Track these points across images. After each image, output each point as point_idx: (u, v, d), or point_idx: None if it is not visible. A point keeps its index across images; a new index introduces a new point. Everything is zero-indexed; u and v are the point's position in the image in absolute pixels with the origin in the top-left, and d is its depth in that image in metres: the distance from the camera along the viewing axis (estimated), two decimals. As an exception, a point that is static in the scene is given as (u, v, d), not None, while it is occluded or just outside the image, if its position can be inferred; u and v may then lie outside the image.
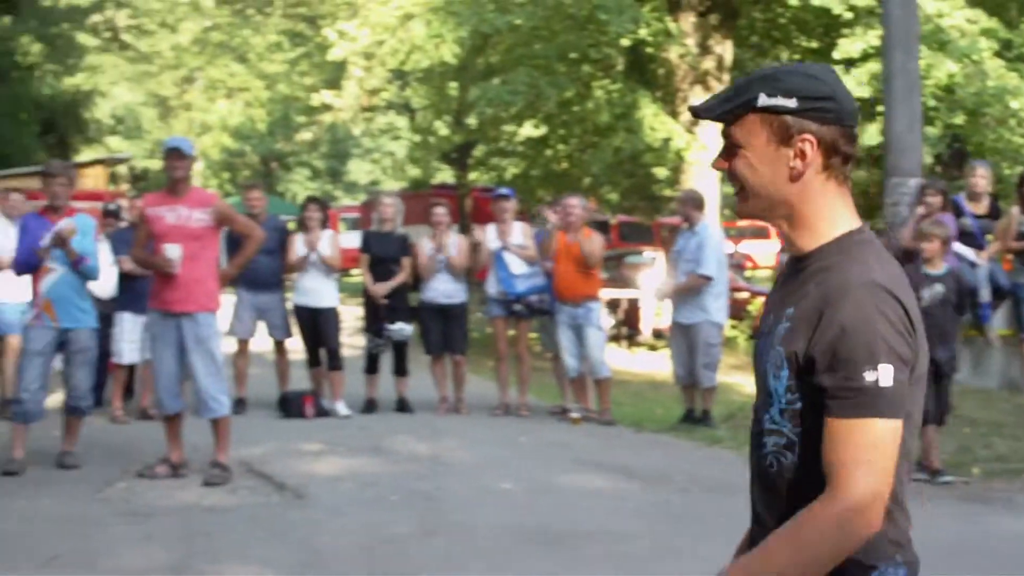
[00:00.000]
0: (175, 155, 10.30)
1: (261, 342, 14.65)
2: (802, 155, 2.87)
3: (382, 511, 9.39)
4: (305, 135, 45.09)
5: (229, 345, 13.99)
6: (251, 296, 13.96)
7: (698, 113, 3.04)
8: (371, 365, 14.48)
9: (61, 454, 10.94)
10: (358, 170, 60.77)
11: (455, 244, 14.26)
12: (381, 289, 14.09)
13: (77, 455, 10.97)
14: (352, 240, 20.58)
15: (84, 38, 43.88)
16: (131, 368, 13.79)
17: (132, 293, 13.05)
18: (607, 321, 18.08)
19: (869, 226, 2.99)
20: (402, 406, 14.19)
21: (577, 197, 14.12)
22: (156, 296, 10.47)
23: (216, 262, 10.58)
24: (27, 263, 10.72)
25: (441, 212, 14.42)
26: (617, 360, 18.91)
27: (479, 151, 32.66)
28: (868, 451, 2.69)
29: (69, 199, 10.95)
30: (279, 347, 14.31)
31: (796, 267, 2.98)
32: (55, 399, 12.54)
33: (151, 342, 10.76)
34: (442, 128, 33.35)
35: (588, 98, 24.44)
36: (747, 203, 3.00)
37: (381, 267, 14.17)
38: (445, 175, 41.55)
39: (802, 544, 2.71)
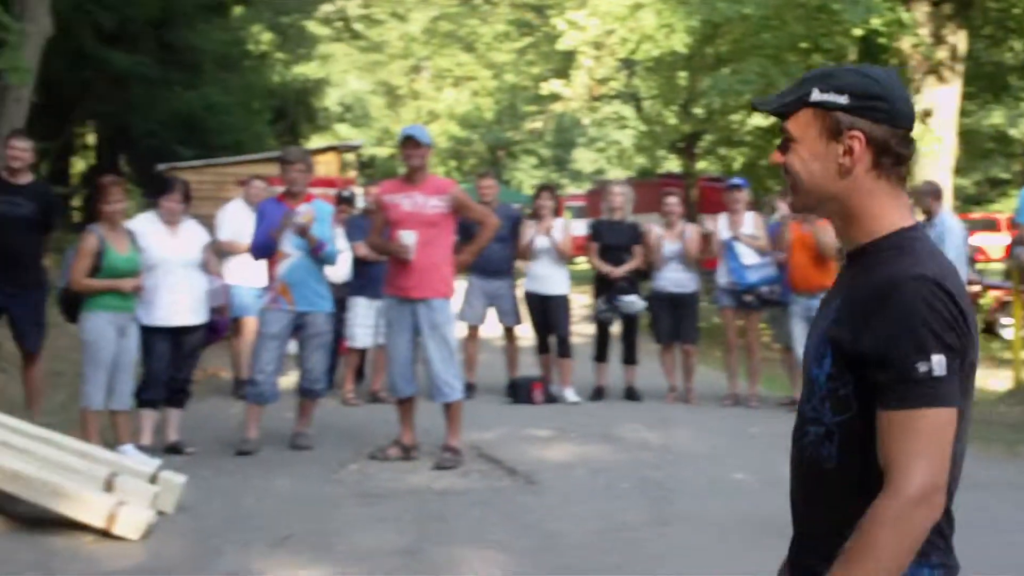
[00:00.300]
0: (411, 143, 10.36)
1: (491, 328, 14.70)
2: (850, 151, 2.90)
3: (614, 499, 9.32)
4: (534, 124, 45.21)
5: (460, 331, 14.08)
6: (482, 282, 13.99)
7: (757, 107, 3.10)
8: (600, 353, 14.42)
9: (295, 435, 11.10)
10: (583, 159, 60.75)
11: (686, 233, 14.11)
12: (615, 271, 14.00)
13: (310, 436, 11.13)
14: (578, 228, 20.56)
15: (315, 27, 44.65)
16: (363, 352, 13.95)
17: (366, 278, 13.19)
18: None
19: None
20: (630, 394, 14.08)
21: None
22: (391, 282, 10.56)
23: (451, 249, 10.61)
24: (264, 247, 10.89)
25: (674, 201, 14.27)
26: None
27: (706, 140, 32.38)
28: (925, 442, 2.70)
29: (307, 185, 11.09)
30: (509, 333, 14.33)
31: (849, 262, 3.00)
32: (288, 381, 12.75)
33: (386, 327, 10.85)
34: (670, 117, 33.11)
35: (819, 88, 23.99)
36: (799, 197, 3.03)
37: (611, 255, 14.08)
38: (671, 164, 41.30)
39: (876, 547, 2.68)
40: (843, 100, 2.90)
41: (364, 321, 13.46)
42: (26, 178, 10.91)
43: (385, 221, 10.52)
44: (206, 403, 13.02)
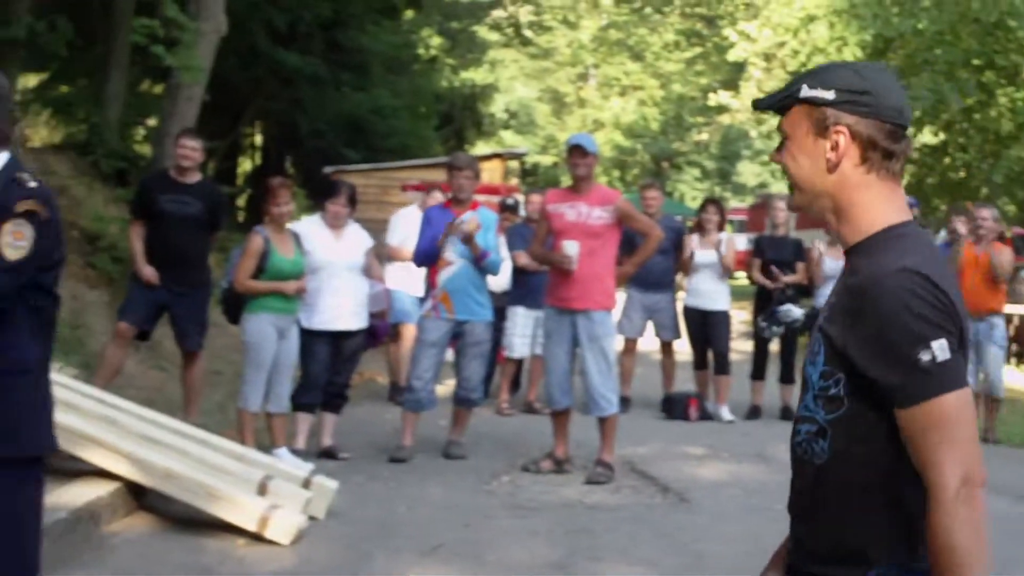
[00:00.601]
0: (578, 152, 10.31)
1: (649, 342, 14.61)
2: (836, 146, 2.91)
3: (767, 521, 9.15)
4: (700, 135, 44.97)
5: (617, 343, 14.02)
6: (642, 295, 13.92)
7: (757, 105, 3.15)
8: (758, 371, 14.27)
9: (448, 444, 11.12)
10: (747, 172, 60.31)
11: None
12: (781, 277, 13.81)
13: (463, 446, 11.14)
14: (739, 243, 20.39)
15: (485, 33, 44.88)
16: (519, 362, 13.95)
17: (526, 288, 13.19)
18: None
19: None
20: (786, 414, 13.88)
21: (989, 208, 13.52)
22: (552, 292, 10.52)
23: (614, 260, 10.53)
24: (428, 255, 10.91)
25: (837, 220, 14.04)
26: (1007, 378, 18.13)
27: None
28: (949, 430, 2.68)
29: (473, 192, 11.09)
30: (666, 348, 14.22)
31: (846, 260, 3.00)
32: (445, 389, 12.79)
33: (544, 338, 10.82)
34: (837, 132, 32.66)
35: (991, 106, 23.58)
36: (796, 195, 3.05)
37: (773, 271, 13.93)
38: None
39: (958, 556, 2.64)
40: (829, 95, 2.92)
41: (523, 331, 13.47)
42: (195, 177, 10.98)
43: (549, 231, 10.49)
44: (361, 408, 13.11)
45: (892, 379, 2.71)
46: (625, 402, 13.66)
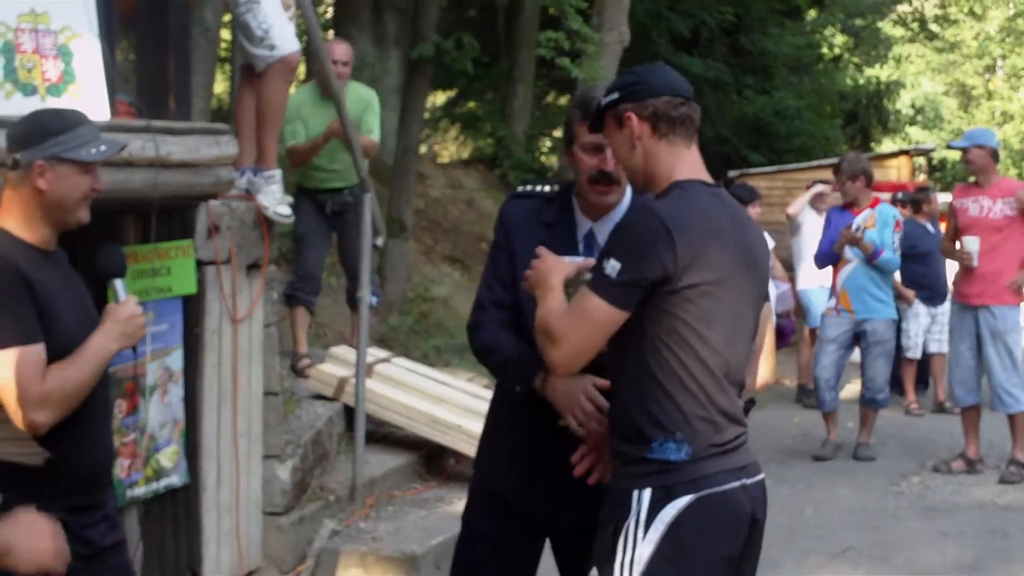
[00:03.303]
0: (964, 152, 10.29)
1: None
2: (630, 127, 3.74)
3: None
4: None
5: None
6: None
7: (594, 129, 3.97)
8: None
9: (857, 446, 11.08)
10: None
11: None
12: None
13: (872, 447, 11.08)
14: None
15: (889, 28, 44.06)
16: (919, 361, 13.69)
17: (925, 285, 13.07)
18: None
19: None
20: None
21: None
22: (957, 288, 10.51)
23: (1020, 254, 10.30)
24: (827, 256, 10.98)
25: None
26: None
27: None
28: (575, 309, 3.64)
29: (866, 193, 10.99)
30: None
31: None
32: (852, 390, 12.71)
33: (949, 335, 10.71)
34: None
35: None
36: (632, 182, 3.97)
37: None
38: None
39: (539, 315, 3.79)
40: (614, 95, 3.77)
41: (915, 329, 13.30)
42: None
43: (956, 226, 10.40)
44: (768, 411, 13.18)
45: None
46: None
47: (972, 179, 10.52)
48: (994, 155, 10.31)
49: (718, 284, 3.58)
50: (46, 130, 4.02)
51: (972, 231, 10.18)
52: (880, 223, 10.78)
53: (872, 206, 10.89)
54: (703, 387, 3.60)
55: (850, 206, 11.00)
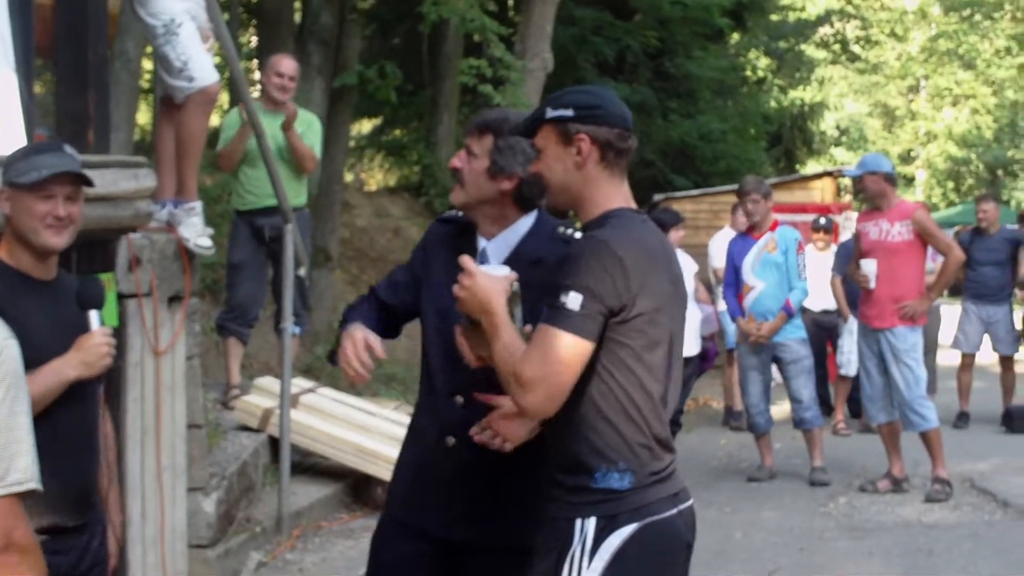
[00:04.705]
0: (855, 180, 10.53)
1: (985, 355, 14.29)
2: (580, 150, 3.69)
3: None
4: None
5: (953, 358, 13.81)
6: (977, 308, 13.63)
7: (514, 133, 4.01)
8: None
9: (812, 470, 11.05)
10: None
11: None
12: None
13: (825, 471, 11.06)
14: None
15: (812, 51, 44.46)
16: (853, 379, 13.80)
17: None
18: None
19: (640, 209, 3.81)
20: None
21: None
22: (860, 310, 10.77)
23: (918, 277, 10.44)
24: (731, 283, 11.19)
25: None
26: None
27: None
28: (542, 350, 3.50)
29: (767, 215, 11.03)
30: (1005, 362, 13.89)
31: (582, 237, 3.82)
32: (783, 410, 12.76)
33: (858, 356, 10.87)
34: None
35: None
36: (550, 197, 3.86)
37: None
38: None
39: (501, 361, 3.62)
40: (570, 112, 3.70)
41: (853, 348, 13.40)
42: None
43: (860, 251, 10.57)
44: (696, 434, 13.23)
45: (546, 304, 3.55)
46: (963, 417, 13.50)
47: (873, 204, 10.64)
48: (888, 179, 10.41)
49: (659, 311, 3.59)
50: (12, 159, 4.31)
51: (873, 254, 10.35)
52: (781, 247, 10.86)
53: (772, 229, 10.96)
54: (644, 415, 3.60)
55: (751, 230, 11.07)
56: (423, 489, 4.27)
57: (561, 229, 4.28)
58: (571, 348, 3.48)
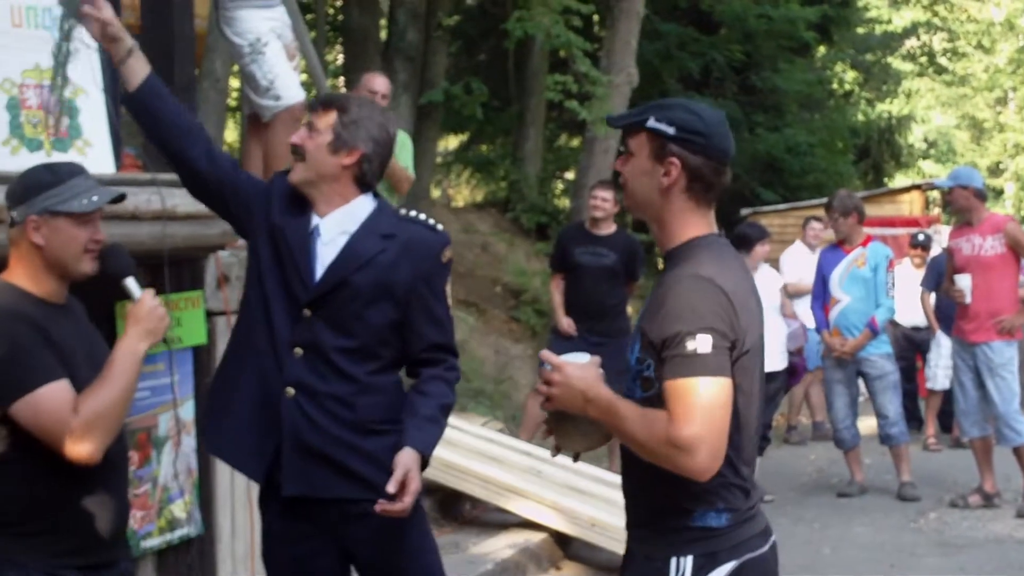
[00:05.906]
0: (944, 192, 10.43)
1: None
2: (669, 173, 3.49)
3: None
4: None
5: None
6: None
7: (610, 123, 3.76)
8: None
9: (900, 485, 10.98)
10: None
11: None
12: None
13: (914, 485, 10.99)
14: None
15: (899, 64, 44.14)
16: (944, 394, 13.65)
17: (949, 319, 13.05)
18: None
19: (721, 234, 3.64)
20: None
21: None
22: (955, 325, 10.65)
23: (1012, 290, 10.36)
24: (819, 299, 11.15)
25: None
26: None
27: None
28: (692, 405, 3.27)
29: (856, 230, 10.97)
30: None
31: (664, 264, 3.66)
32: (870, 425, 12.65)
33: (953, 370, 10.76)
34: None
35: None
36: (627, 199, 3.67)
37: None
38: None
39: (643, 438, 3.36)
40: (671, 130, 3.48)
41: (946, 362, 13.23)
42: (610, 228, 10.97)
43: (953, 267, 10.51)
44: (784, 449, 13.14)
45: (664, 355, 3.34)
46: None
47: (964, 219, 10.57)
48: (978, 195, 10.35)
49: (755, 346, 3.50)
50: (38, 185, 4.04)
51: (967, 270, 10.32)
52: (871, 263, 10.78)
53: (864, 244, 10.88)
54: (741, 455, 3.51)
55: (842, 243, 11.01)
56: (258, 436, 4.43)
57: (404, 211, 4.44)
58: (719, 392, 3.30)
